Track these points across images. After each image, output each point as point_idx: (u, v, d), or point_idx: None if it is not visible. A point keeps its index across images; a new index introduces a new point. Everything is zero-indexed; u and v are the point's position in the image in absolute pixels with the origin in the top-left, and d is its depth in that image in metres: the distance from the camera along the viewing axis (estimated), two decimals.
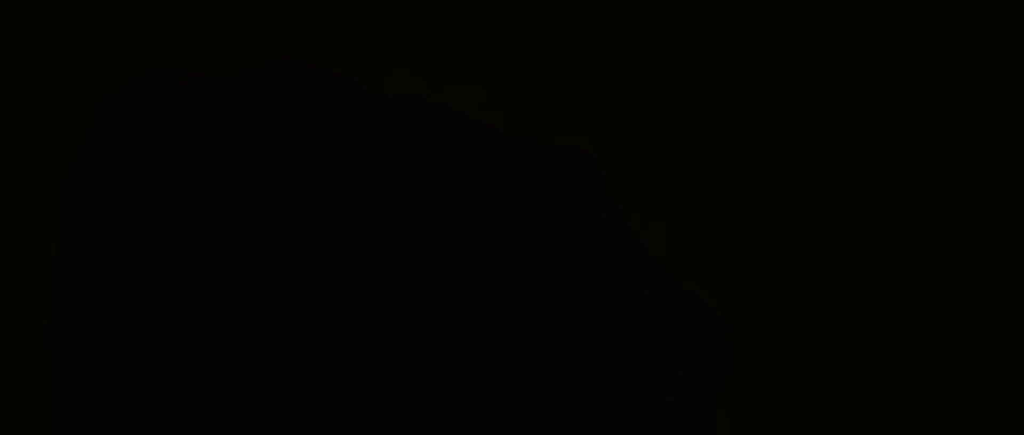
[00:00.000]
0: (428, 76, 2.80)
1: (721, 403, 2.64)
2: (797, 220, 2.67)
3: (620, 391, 2.67)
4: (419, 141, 2.79)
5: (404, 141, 2.79)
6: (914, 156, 2.63)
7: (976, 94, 2.59)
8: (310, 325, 2.79)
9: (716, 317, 2.67)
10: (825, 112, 2.66)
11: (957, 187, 2.59)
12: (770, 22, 2.68)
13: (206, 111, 2.85)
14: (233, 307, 2.81)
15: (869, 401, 2.61)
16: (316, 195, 2.81)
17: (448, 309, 2.75)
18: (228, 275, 2.81)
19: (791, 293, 2.65)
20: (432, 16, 2.80)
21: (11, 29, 2.87)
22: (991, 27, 2.57)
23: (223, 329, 2.80)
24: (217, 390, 2.78)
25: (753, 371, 2.65)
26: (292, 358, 2.78)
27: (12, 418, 2.76)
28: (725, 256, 2.68)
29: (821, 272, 2.64)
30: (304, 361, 2.78)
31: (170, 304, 2.82)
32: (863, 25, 2.64)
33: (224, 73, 2.85)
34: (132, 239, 2.85)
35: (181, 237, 2.84)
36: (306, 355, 2.78)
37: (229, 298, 2.81)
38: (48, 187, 2.86)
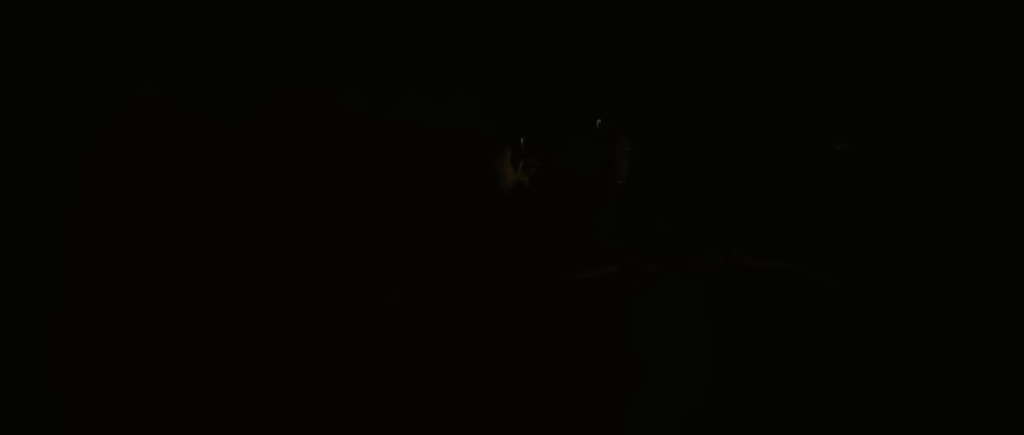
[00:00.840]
0: (429, 92, 2.82)
1: (713, 402, 2.65)
2: (793, 220, 2.68)
3: (618, 389, 2.68)
4: (419, 151, 2.81)
5: (404, 151, 2.82)
6: (909, 157, 2.64)
7: (973, 94, 2.60)
8: (310, 326, 2.80)
9: (708, 317, 2.67)
10: (822, 113, 2.67)
11: (955, 187, 2.60)
12: (766, 22, 2.69)
13: (207, 121, 2.88)
14: (234, 309, 2.82)
15: (864, 401, 2.61)
16: (318, 202, 2.83)
17: (445, 311, 2.77)
18: (231, 280, 2.83)
19: (788, 292, 2.66)
20: (432, 34, 2.83)
21: (15, 37, 2.90)
22: (991, 27, 2.59)
23: (224, 330, 2.82)
24: (216, 389, 2.79)
25: (747, 371, 2.65)
26: (291, 358, 2.79)
27: (14, 417, 2.77)
28: (720, 254, 2.69)
29: (817, 271, 2.65)
30: (303, 361, 2.79)
31: (172, 304, 2.83)
32: (861, 25, 2.65)
33: (229, 87, 2.88)
34: (137, 242, 2.87)
35: (186, 242, 2.86)
36: (305, 355, 2.79)
37: (231, 300, 2.83)
38: (55, 191, 2.88)
